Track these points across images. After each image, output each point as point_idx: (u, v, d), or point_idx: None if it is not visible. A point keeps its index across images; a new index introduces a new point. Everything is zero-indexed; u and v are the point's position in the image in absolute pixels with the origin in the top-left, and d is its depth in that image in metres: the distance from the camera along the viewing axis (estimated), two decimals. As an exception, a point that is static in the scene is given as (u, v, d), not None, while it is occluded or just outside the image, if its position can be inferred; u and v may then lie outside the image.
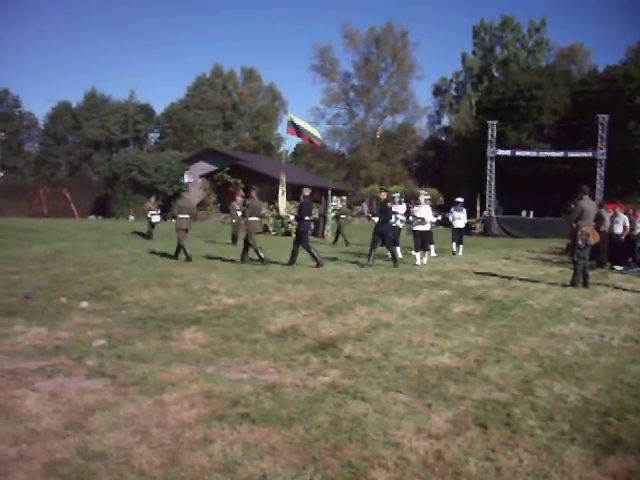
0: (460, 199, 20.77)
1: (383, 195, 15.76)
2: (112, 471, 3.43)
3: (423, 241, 15.71)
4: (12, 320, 7.21)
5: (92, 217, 47.08)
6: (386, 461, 3.60)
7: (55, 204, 48.32)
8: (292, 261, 14.12)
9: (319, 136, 27.48)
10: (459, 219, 19.63)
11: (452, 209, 20.35)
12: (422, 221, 15.65)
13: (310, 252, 13.94)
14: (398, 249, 16.25)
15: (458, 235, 19.46)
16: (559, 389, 5.09)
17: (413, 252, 15.67)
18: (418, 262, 15.33)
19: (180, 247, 14.95)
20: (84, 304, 8.41)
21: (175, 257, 14.99)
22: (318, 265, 13.80)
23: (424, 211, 15.83)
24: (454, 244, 19.51)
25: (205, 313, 8.14)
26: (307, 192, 14.81)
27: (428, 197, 16.34)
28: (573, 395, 4.96)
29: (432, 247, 18.75)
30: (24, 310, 7.85)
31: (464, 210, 20.38)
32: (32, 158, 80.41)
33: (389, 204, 15.57)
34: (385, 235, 14.81)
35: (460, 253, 19.26)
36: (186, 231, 15.37)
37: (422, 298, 9.79)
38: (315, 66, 67.24)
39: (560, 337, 7.18)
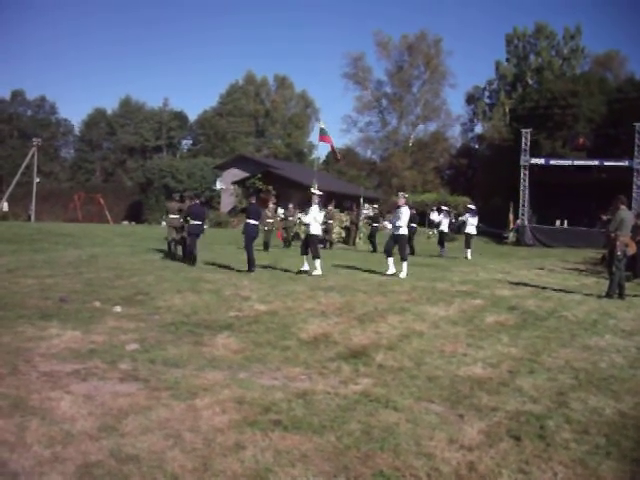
0: (473, 206, 22.57)
1: (402, 200, 14.47)
2: (145, 474, 3.46)
3: (398, 246, 14.18)
4: (47, 323, 7.32)
5: (125, 222, 47.75)
6: (418, 472, 3.57)
7: (89, 209, 49.23)
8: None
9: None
10: (472, 225, 21.01)
11: (467, 215, 21.53)
12: (398, 225, 14.12)
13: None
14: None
15: (471, 240, 20.91)
16: (594, 402, 5.00)
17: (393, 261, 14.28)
18: (391, 270, 14.02)
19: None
20: (118, 308, 8.51)
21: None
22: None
23: (403, 214, 14.15)
24: (468, 250, 20.61)
25: (237, 319, 8.17)
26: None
27: (407, 197, 15.13)
28: (609, 408, 4.87)
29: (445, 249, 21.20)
30: (59, 313, 7.96)
31: (476, 217, 21.85)
32: (68, 164, 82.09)
33: (255, 205, 14.74)
34: (246, 235, 14.08)
35: (469, 257, 20.39)
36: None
37: (455, 307, 9.71)
38: (347, 74, 67.28)
39: (595, 349, 7.06)
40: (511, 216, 37.04)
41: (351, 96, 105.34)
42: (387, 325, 8.06)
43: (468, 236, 20.96)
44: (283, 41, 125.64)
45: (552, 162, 35.53)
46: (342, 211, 31.78)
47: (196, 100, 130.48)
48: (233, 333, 7.29)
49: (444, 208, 23.99)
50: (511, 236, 35.98)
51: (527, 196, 35.65)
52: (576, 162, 35.20)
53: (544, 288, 12.66)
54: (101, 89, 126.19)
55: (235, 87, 79.72)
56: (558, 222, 35.38)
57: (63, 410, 4.43)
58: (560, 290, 12.48)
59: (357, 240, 27.36)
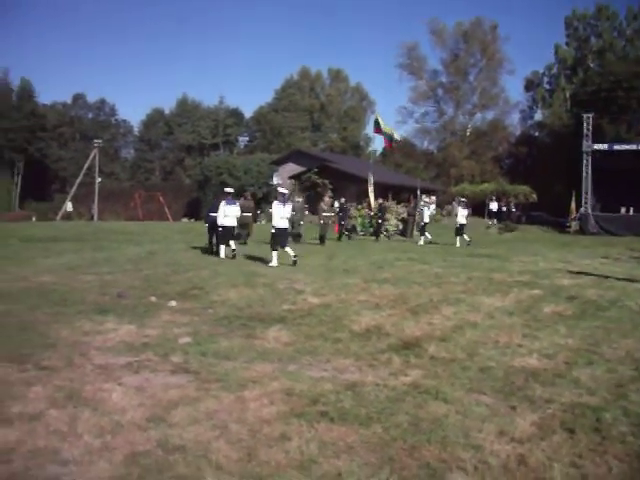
0: (463, 199, 26.98)
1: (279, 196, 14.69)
2: (190, 464, 3.49)
3: (280, 239, 14.12)
4: (104, 317, 7.50)
5: (185, 220, 48.49)
6: (465, 464, 3.48)
7: (150, 208, 50.31)
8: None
9: (397, 137, 28.82)
10: (462, 216, 23.32)
11: (458, 207, 24.48)
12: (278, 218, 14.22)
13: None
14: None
15: (461, 230, 23.14)
16: (656, 394, 4.78)
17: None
18: (273, 263, 13.79)
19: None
20: (172, 303, 8.64)
21: None
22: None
23: (273, 210, 14.47)
24: (458, 238, 22.92)
25: (290, 312, 8.18)
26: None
27: (286, 192, 14.88)
28: (671, 400, 4.65)
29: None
30: (116, 308, 8.14)
31: (468, 208, 25.06)
32: (128, 164, 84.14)
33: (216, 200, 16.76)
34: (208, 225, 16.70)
35: (458, 244, 22.47)
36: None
37: (511, 298, 9.49)
38: (402, 64, 66.62)
39: (659, 339, 6.77)
40: (573, 204, 36.00)
41: (406, 87, 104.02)
42: (441, 316, 7.93)
43: (460, 226, 23.21)
44: (337, 34, 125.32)
45: (616, 147, 34.33)
46: (399, 203, 31.55)
47: (251, 96, 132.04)
48: (285, 326, 7.30)
49: (462, 200, 26.83)
50: (574, 225, 34.98)
51: (590, 183, 34.57)
52: (641, 146, 33.87)
53: (607, 277, 12.22)
54: (159, 89, 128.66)
55: (290, 82, 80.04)
56: (623, 209, 34.19)
57: (114, 401, 4.52)
58: (624, 279, 12.02)
59: (414, 232, 27.09)
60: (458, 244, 22.57)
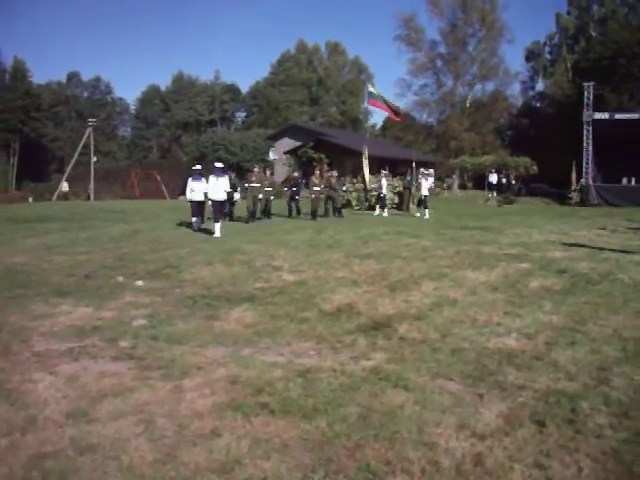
0: (426, 170, 27.67)
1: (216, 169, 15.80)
2: (97, 467, 3.07)
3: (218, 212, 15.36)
4: (62, 300, 7.06)
5: (182, 197, 47.81)
6: (412, 466, 3.02)
7: (147, 186, 49.70)
8: None
9: (398, 110, 28.22)
10: (425, 188, 23.68)
11: (422, 179, 24.60)
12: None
13: None
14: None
15: (424, 201, 23.21)
16: (641, 378, 4.31)
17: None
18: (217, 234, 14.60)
19: None
20: (139, 283, 8.21)
21: None
22: None
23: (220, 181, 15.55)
24: (426, 210, 22.77)
25: (261, 290, 7.75)
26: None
27: (222, 166, 16.25)
28: (658, 385, 4.18)
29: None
30: (78, 290, 7.70)
31: (429, 179, 26.51)
32: (125, 142, 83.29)
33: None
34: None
35: (427, 216, 22.17)
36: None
37: (498, 272, 8.99)
38: (399, 36, 65.07)
39: (650, 315, 6.28)
40: (574, 175, 35.30)
41: (404, 59, 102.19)
42: (420, 293, 7.47)
43: (424, 197, 23.38)
44: (334, 7, 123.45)
45: (617, 116, 33.45)
46: (394, 176, 30.93)
47: (248, 71, 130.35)
48: (252, 305, 6.87)
49: (424, 172, 26.93)
50: (575, 196, 34.30)
51: (591, 153, 33.80)
52: (644, 115, 33.03)
53: (602, 249, 11.68)
54: (154, 66, 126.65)
55: (287, 56, 78.82)
56: (625, 180, 33.50)
57: (39, 393, 4.09)
58: (620, 251, 11.49)
59: (411, 205, 26.51)
60: (427, 216, 22.22)
